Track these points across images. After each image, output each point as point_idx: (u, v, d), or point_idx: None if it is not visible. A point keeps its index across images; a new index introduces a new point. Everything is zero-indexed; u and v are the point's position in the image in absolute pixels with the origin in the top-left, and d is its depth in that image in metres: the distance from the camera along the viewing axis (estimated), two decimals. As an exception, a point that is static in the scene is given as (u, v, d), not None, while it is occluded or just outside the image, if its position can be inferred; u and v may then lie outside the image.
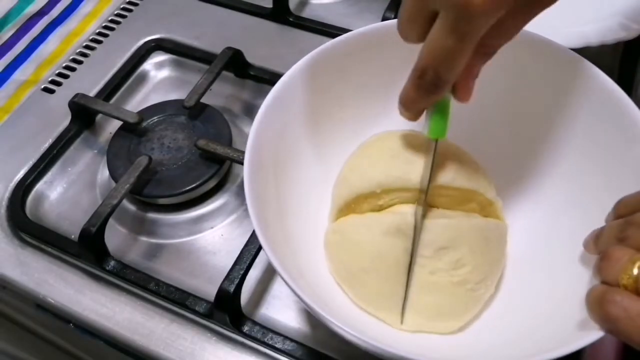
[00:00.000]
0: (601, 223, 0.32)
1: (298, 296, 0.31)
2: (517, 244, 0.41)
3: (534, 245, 0.40)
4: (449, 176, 0.39)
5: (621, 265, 0.27)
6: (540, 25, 0.42)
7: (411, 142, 0.40)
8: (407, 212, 0.39)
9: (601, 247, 0.31)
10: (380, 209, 0.40)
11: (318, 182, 0.43)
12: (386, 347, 0.29)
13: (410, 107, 0.34)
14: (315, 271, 0.40)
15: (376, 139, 0.43)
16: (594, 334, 0.28)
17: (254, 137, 0.37)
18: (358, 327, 0.30)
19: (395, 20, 0.41)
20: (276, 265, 0.32)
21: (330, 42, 0.41)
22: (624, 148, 0.36)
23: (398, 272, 0.37)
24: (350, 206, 0.40)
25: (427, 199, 0.37)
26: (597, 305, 0.27)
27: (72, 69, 0.60)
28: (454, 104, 0.35)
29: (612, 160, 0.37)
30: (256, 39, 0.60)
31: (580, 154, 0.39)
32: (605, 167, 0.37)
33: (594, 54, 0.41)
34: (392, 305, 0.38)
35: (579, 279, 0.33)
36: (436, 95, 0.32)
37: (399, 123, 0.44)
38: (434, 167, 0.38)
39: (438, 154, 0.38)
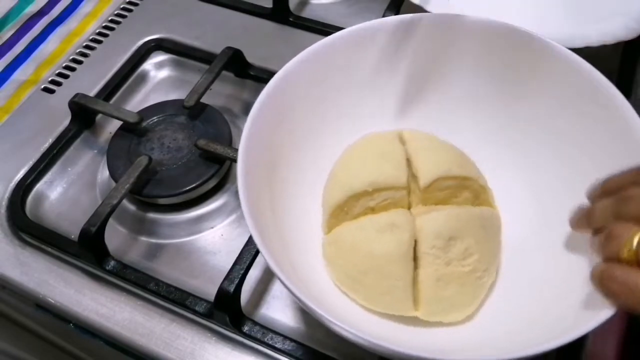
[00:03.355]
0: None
1: (296, 296, 0.31)
2: (509, 230, 0.41)
3: (525, 230, 0.41)
4: (444, 167, 0.39)
5: (622, 240, 0.27)
6: (540, 25, 0.42)
7: (399, 142, 0.40)
8: (400, 211, 0.39)
9: (596, 224, 0.31)
10: (372, 212, 0.40)
11: (312, 181, 0.43)
12: (385, 344, 0.29)
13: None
14: (314, 275, 0.40)
15: (364, 140, 0.43)
16: (597, 318, 0.28)
17: (247, 138, 0.37)
18: (358, 325, 0.30)
19: (386, 18, 0.41)
20: (272, 264, 0.32)
21: (323, 41, 0.41)
22: (609, 133, 0.36)
23: (399, 265, 0.37)
24: (343, 209, 0.40)
25: None
26: (599, 283, 0.27)
27: (72, 69, 0.60)
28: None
29: (598, 143, 0.37)
30: (256, 39, 0.60)
31: (565, 137, 0.40)
32: (591, 150, 0.38)
33: (594, 54, 0.41)
34: (400, 298, 0.38)
35: (574, 260, 0.33)
36: None
37: (390, 123, 0.45)
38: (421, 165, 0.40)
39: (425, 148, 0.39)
